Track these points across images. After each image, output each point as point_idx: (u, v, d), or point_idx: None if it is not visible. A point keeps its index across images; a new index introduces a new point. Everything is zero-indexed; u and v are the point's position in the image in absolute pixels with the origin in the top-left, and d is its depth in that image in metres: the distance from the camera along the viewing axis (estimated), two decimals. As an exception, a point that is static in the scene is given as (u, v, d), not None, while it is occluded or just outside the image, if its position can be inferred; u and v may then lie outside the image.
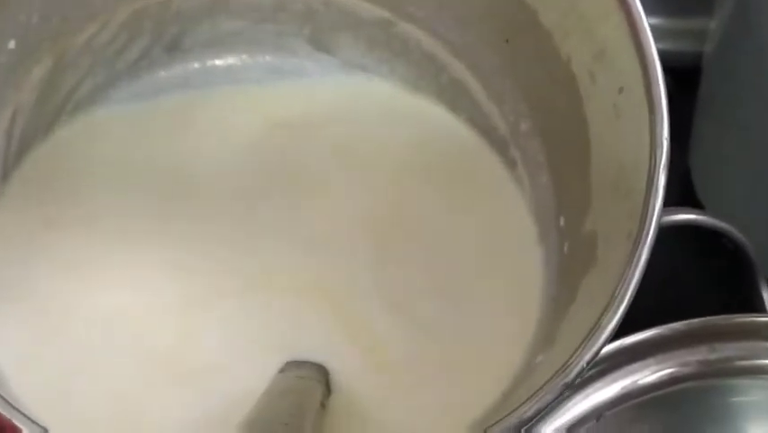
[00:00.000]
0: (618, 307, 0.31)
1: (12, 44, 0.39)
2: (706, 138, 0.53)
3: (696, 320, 0.38)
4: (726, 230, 0.42)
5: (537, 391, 0.31)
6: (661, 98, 0.33)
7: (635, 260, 0.32)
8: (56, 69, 0.43)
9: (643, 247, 0.32)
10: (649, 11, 0.59)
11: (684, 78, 0.56)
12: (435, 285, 0.42)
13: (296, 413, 0.34)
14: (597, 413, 0.38)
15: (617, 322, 0.31)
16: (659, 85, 0.33)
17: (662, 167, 0.33)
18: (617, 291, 0.31)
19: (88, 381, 0.38)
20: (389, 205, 0.44)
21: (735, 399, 0.39)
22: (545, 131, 0.41)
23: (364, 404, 0.38)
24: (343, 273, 0.42)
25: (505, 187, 0.44)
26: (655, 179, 0.33)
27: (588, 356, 0.31)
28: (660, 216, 0.32)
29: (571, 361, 0.31)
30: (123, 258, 0.42)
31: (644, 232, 0.32)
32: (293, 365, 0.39)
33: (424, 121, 0.47)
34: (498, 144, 0.45)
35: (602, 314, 0.31)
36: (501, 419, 0.31)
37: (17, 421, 0.29)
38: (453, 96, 0.46)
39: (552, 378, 0.31)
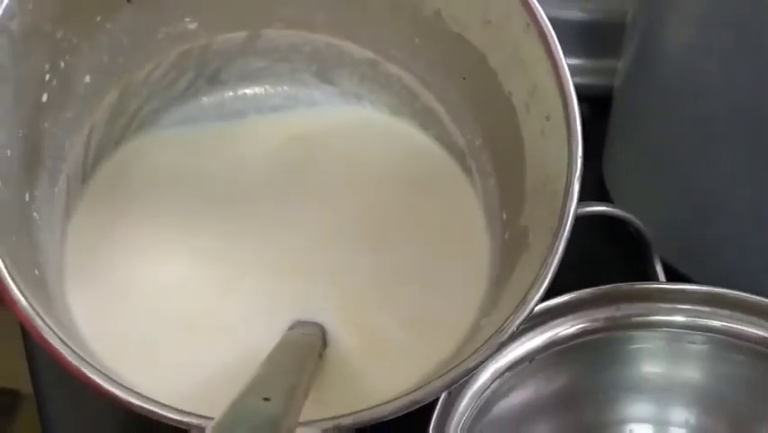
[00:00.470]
0: (541, 284, 0.32)
1: (87, 79, 0.39)
2: (615, 151, 0.54)
3: (605, 286, 0.39)
4: (628, 219, 0.42)
5: (479, 347, 0.31)
6: (577, 126, 0.34)
7: (554, 249, 0.32)
8: (122, 98, 0.42)
9: (561, 239, 0.32)
10: (571, 53, 0.59)
11: (599, 106, 0.56)
12: (408, 265, 0.42)
13: (297, 361, 0.34)
14: (529, 357, 0.38)
15: (541, 296, 0.32)
16: (575, 116, 0.34)
17: (576, 177, 0.33)
18: (540, 272, 0.32)
19: (148, 332, 0.39)
20: (376, 202, 0.45)
21: (632, 346, 0.39)
22: (493, 146, 0.41)
23: (350, 355, 0.38)
24: (340, 257, 0.42)
25: (462, 189, 0.44)
26: (572, 187, 0.33)
27: (517, 321, 0.31)
28: (574, 217, 0.33)
29: (504, 325, 0.31)
30: (174, 245, 0.42)
31: (562, 228, 0.32)
32: (299, 325, 0.39)
33: (402, 138, 0.47)
34: (458, 156, 0.45)
35: (529, 289, 0.32)
36: (449, 371, 0.31)
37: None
38: (425, 120, 0.46)
39: (490, 338, 0.31)
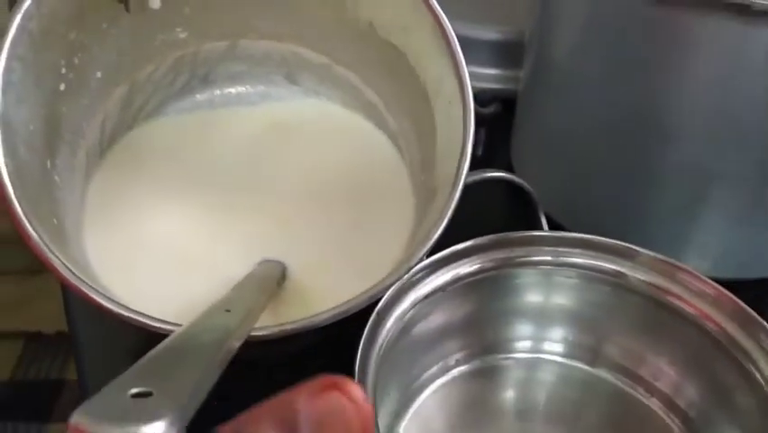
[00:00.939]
0: (438, 227, 0.32)
1: (99, 74, 0.38)
2: (518, 138, 0.54)
3: (500, 234, 0.38)
4: (520, 183, 0.42)
5: (393, 271, 0.31)
6: (470, 105, 0.34)
7: (450, 202, 0.32)
8: (130, 92, 0.42)
9: (454, 196, 0.32)
10: (488, 65, 0.60)
11: (508, 105, 0.57)
12: (355, 219, 0.42)
13: (258, 286, 0.34)
14: (441, 288, 0.37)
15: (438, 236, 0.32)
16: (469, 97, 0.34)
17: (469, 141, 0.33)
18: (440, 217, 0.32)
19: (150, 268, 0.39)
20: (331, 172, 0.44)
21: (518, 280, 0.39)
22: (416, 127, 0.41)
23: (302, 285, 0.38)
24: (301, 214, 0.42)
25: (395, 162, 0.44)
26: (465, 155, 0.33)
27: (422, 251, 0.31)
28: (465, 180, 0.33)
29: (413, 255, 0.31)
30: (174, 204, 0.42)
31: (457, 185, 0.32)
32: (265, 262, 0.39)
33: (351, 124, 0.46)
34: (392, 137, 0.44)
35: (431, 230, 0.32)
36: (370, 289, 0.31)
37: None
38: (368, 110, 0.46)
39: (401, 264, 0.31)
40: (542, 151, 0.51)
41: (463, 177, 0.32)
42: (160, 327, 0.29)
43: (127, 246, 0.39)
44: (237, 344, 0.25)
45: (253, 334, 0.29)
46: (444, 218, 0.31)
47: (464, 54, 0.35)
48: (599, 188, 0.47)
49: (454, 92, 0.34)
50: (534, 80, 0.50)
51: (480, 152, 0.59)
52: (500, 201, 0.52)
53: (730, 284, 0.35)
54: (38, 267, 0.30)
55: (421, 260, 0.31)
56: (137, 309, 0.30)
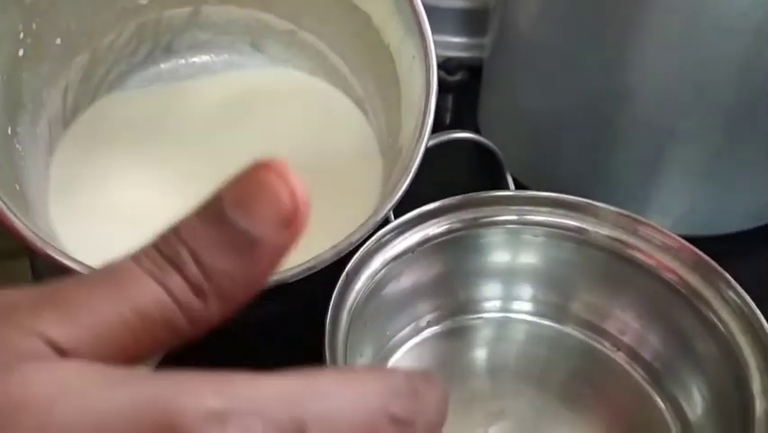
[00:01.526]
0: (403, 182, 0.32)
1: (59, 41, 0.38)
2: (485, 103, 0.54)
3: (467, 194, 0.38)
4: (486, 143, 0.42)
5: (360, 226, 0.31)
6: (432, 58, 0.34)
7: (415, 157, 0.32)
8: (92, 61, 0.42)
9: (419, 150, 0.32)
10: (455, 33, 0.60)
11: (475, 71, 0.57)
12: (325, 183, 0.41)
13: None
14: (411, 249, 0.38)
15: (404, 190, 0.33)
16: (432, 50, 0.34)
17: (432, 102, 0.33)
18: (405, 172, 0.32)
19: (120, 238, 0.38)
20: (299, 139, 0.44)
21: (486, 240, 0.39)
22: (380, 89, 0.41)
23: None
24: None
25: (363, 126, 0.44)
26: (428, 108, 0.33)
27: (387, 207, 0.31)
28: (433, 141, 0.33)
29: (378, 210, 0.31)
30: (139, 174, 0.42)
31: (421, 140, 0.32)
32: None
33: (317, 91, 0.46)
34: (359, 103, 0.44)
35: (396, 185, 0.32)
36: (336, 245, 0.31)
37: None
38: (333, 76, 0.45)
39: (368, 219, 0.31)
40: (508, 115, 0.51)
41: (428, 131, 0.32)
42: None
43: (93, 217, 0.39)
44: None
45: None
46: (410, 173, 0.32)
47: (430, 23, 0.35)
48: (564, 149, 0.47)
49: (417, 49, 0.34)
50: (498, 47, 0.50)
51: (447, 120, 0.59)
52: (468, 164, 0.52)
53: (693, 241, 0.36)
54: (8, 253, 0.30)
55: (389, 220, 0.32)
56: None
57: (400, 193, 0.32)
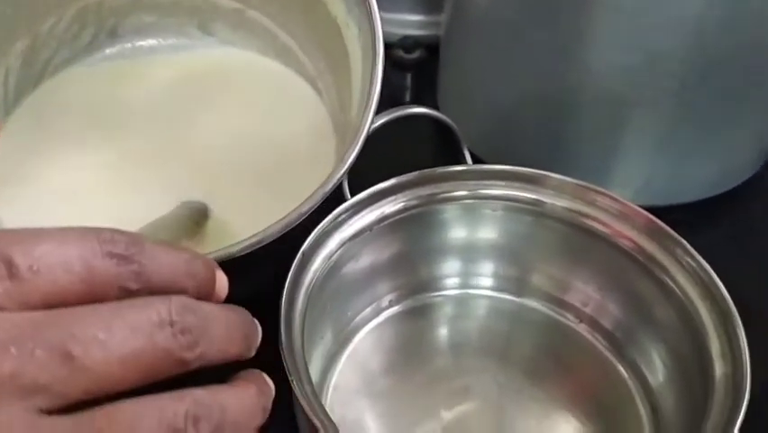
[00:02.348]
0: (353, 150, 0.31)
1: (-5, 27, 0.37)
2: (443, 80, 0.54)
3: (422, 171, 0.38)
4: (442, 118, 0.42)
5: (308, 197, 0.31)
6: (378, 27, 0.33)
7: (364, 122, 0.32)
8: (33, 46, 0.41)
9: (367, 118, 0.32)
10: (412, 11, 0.60)
11: (432, 49, 0.57)
12: (278, 161, 0.41)
13: (170, 225, 0.34)
14: (368, 228, 0.37)
15: (354, 157, 0.32)
16: (377, 19, 0.33)
17: (380, 61, 0.33)
18: (355, 139, 0.31)
19: (68, 222, 0.37)
20: (249, 121, 0.44)
21: (443, 216, 0.39)
22: (332, 66, 0.40)
23: (228, 222, 0.38)
24: (220, 158, 0.41)
25: (316, 104, 0.44)
26: (374, 78, 0.32)
27: (336, 176, 0.31)
28: (376, 105, 0.32)
29: (327, 181, 0.31)
30: (87, 157, 0.41)
31: (368, 109, 0.32)
32: (185, 203, 0.38)
33: (268, 72, 0.46)
34: (311, 81, 0.44)
35: (345, 153, 0.31)
36: (282, 218, 0.31)
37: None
38: (284, 56, 0.45)
39: (317, 189, 0.31)
40: (466, 91, 0.51)
41: (375, 99, 0.32)
42: None
43: (40, 201, 0.38)
44: None
45: None
46: (358, 142, 0.31)
47: (386, 2, 0.34)
48: (522, 123, 0.47)
49: (363, 19, 0.33)
50: (454, 24, 0.50)
51: (407, 99, 0.59)
52: (427, 141, 0.52)
53: (653, 211, 0.36)
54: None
55: (345, 198, 0.31)
56: None
57: (349, 162, 0.31)
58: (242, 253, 0.29)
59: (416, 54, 0.60)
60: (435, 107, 0.54)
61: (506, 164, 0.39)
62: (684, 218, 0.44)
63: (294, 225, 0.30)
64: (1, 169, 0.38)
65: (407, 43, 0.60)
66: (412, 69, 0.60)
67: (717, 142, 0.45)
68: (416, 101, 0.57)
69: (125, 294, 0.20)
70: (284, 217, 0.30)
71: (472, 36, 0.48)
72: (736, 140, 0.46)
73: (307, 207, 0.30)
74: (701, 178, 0.47)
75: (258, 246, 0.30)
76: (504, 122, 0.48)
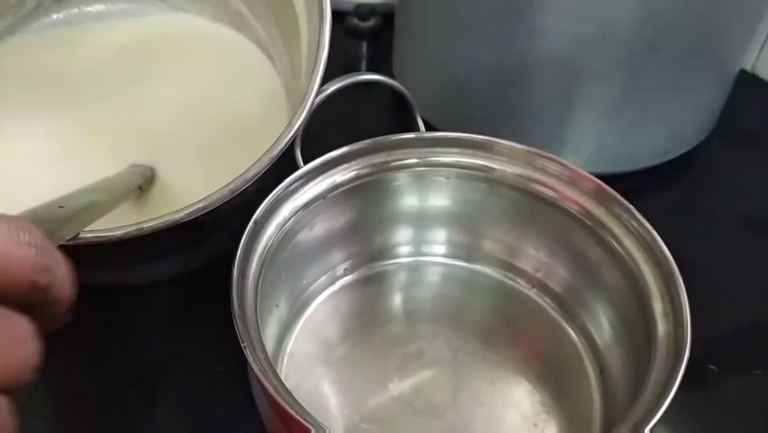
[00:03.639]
0: (301, 114, 0.32)
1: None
2: (398, 49, 0.54)
3: (374, 138, 0.38)
4: (395, 86, 0.42)
5: (255, 162, 0.31)
6: (327, 5, 0.33)
7: (310, 90, 0.32)
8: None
9: (314, 82, 0.32)
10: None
11: (388, 18, 0.57)
12: (229, 126, 0.41)
13: (108, 186, 0.33)
14: (321, 196, 0.37)
15: (302, 121, 0.32)
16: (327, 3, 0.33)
17: (326, 33, 0.33)
18: (303, 103, 0.31)
19: (13, 188, 0.37)
20: (202, 87, 0.43)
21: (395, 184, 0.39)
22: (283, 32, 0.40)
23: (175, 187, 0.38)
24: (170, 124, 0.41)
25: (269, 72, 0.43)
26: (321, 41, 0.32)
27: (287, 138, 0.32)
28: (323, 68, 0.32)
29: (275, 143, 0.31)
30: (28, 123, 0.40)
31: (315, 73, 0.32)
32: (131, 166, 0.38)
33: (221, 38, 0.45)
34: (264, 48, 0.43)
35: (293, 117, 0.31)
36: (229, 183, 0.30)
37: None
38: (237, 22, 0.45)
39: (263, 155, 0.31)
40: (420, 59, 0.51)
41: (322, 62, 0.32)
42: None
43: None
44: (66, 236, 0.24)
45: (109, 234, 0.28)
46: (305, 106, 0.31)
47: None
48: (475, 91, 0.47)
49: None
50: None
51: (362, 67, 0.59)
52: (381, 109, 0.52)
53: (603, 178, 0.37)
54: None
55: (297, 167, 0.31)
56: None
57: (296, 126, 0.31)
58: (187, 219, 0.29)
59: (371, 22, 0.60)
60: (391, 76, 0.54)
61: (459, 131, 0.39)
62: (635, 185, 0.45)
63: (239, 190, 0.30)
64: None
65: (363, 11, 0.59)
66: (367, 37, 0.60)
67: (666, 109, 0.46)
68: (372, 69, 0.57)
69: (34, 290, 0.19)
70: (229, 183, 0.29)
71: (426, 3, 0.48)
72: (686, 107, 0.47)
73: (254, 173, 0.30)
74: (652, 145, 0.48)
75: (202, 212, 0.29)
76: (458, 89, 0.48)
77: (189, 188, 0.36)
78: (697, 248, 0.43)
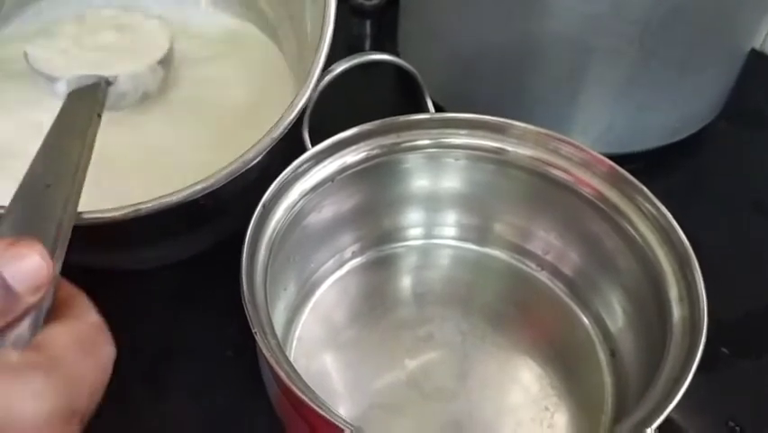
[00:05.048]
0: (303, 95, 0.31)
1: None
2: (404, 28, 0.53)
3: (383, 119, 0.37)
4: (405, 66, 0.41)
5: (255, 144, 0.30)
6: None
7: (314, 69, 0.31)
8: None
9: (318, 61, 0.31)
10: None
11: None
12: (241, 111, 0.40)
13: (75, 131, 0.29)
14: (330, 178, 0.36)
15: (304, 102, 0.32)
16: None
17: (331, 11, 0.32)
18: (306, 83, 0.31)
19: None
20: (215, 74, 0.42)
21: (406, 165, 0.38)
22: (294, 26, 0.39)
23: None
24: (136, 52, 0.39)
25: (280, 61, 0.43)
26: (326, 19, 0.31)
27: (284, 124, 0.31)
28: (328, 47, 0.31)
29: (276, 127, 0.31)
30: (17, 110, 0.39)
31: (320, 51, 0.31)
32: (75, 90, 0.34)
33: (242, 33, 0.44)
34: (271, 31, 0.43)
35: (296, 98, 0.31)
36: (230, 163, 0.30)
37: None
38: (246, 3, 0.43)
39: (265, 135, 0.30)
40: (427, 38, 0.50)
41: (327, 40, 0.31)
42: None
43: None
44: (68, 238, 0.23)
45: (103, 215, 0.27)
46: (309, 85, 0.30)
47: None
48: (484, 71, 0.46)
49: None
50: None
51: (367, 47, 0.57)
52: (388, 89, 0.51)
53: (611, 158, 0.36)
54: None
55: (305, 149, 0.30)
56: None
57: (299, 107, 0.30)
58: (186, 201, 0.28)
59: (375, 1, 0.59)
60: (396, 55, 0.53)
61: (466, 111, 0.38)
62: (643, 166, 0.44)
63: (239, 172, 0.29)
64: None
65: (367, -10, 0.58)
66: (372, 15, 0.59)
67: (676, 89, 0.45)
68: (377, 49, 0.56)
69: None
70: (229, 165, 0.28)
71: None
72: (696, 87, 0.46)
73: (253, 154, 0.29)
74: (661, 125, 0.47)
75: (201, 194, 0.28)
76: (465, 69, 0.47)
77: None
78: (707, 229, 0.43)
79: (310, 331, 0.37)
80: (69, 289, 0.23)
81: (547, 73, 0.44)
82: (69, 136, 0.28)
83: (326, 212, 0.38)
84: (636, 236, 0.34)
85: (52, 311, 0.21)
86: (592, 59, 0.43)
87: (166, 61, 0.38)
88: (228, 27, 0.44)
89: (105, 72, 0.35)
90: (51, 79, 0.35)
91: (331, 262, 0.40)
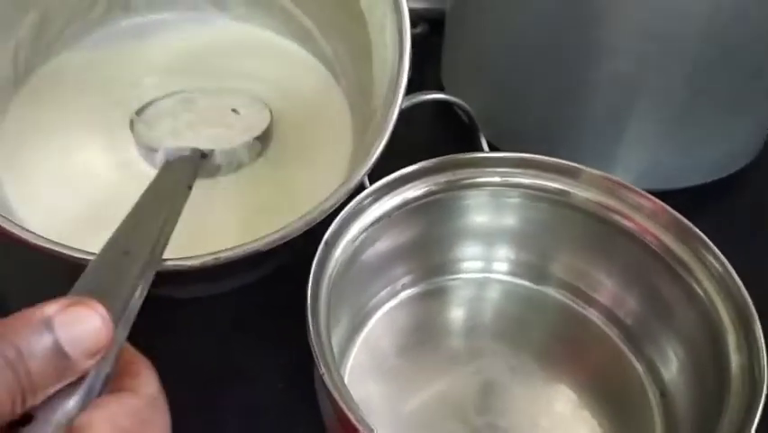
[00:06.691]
0: (378, 146, 0.31)
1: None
2: (449, 59, 0.52)
3: (443, 157, 0.37)
4: (460, 104, 0.41)
5: (331, 194, 0.30)
6: (405, 13, 0.31)
7: (389, 119, 0.31)
8: (43, 19, 0.39)
9: (392, 113, 0.31)
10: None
11: (436, 24, 0.55)
12: (294, 147, 0.40)
13: (160, 203, 0.29)
14: (388, 214, 0.36)
15: (378, 154, 0.31)
16: (405, 13, 0.32)
17: (405, 64, 0.31)
18: (380, 135, 0.30)
19: (75, 201, 0.36)
20: (263, 97, 0.42)
21: (465, 202, 0.38)
22: (352, 51, 0.39)
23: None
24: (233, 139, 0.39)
25: (331, 86, 0.42)
26: (401, 73, 0.31)
27: (363, 172, 0.31)
28: (404, 103, 0.31)
29: (352, 178, 0.30)
30: (97, 135, 0.39)
31: (394, 105, 0.31)
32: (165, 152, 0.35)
33: (283, 52, 0.44)
34: (329, 65, 0.42)
35: (370, 149, 0.31)
36: (307, 214, 0.30)
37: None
38: (301, 36, 0.43)
39: (339, 187, 0.30)
40: (473, 70, 0.49)
41: (401, 94, 0.30)
42: (80, 257, 0.27)
43: (49, 180, 0.37)
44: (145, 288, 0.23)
45: (183, 263, 0.27)
46: (384, 137, 0.30)
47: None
48: (530, 105, 0.46)
49: (389, 6, 0.32)
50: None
51: (409, 76, 0.57)
52: (439, 124, 0.50)
53: (656, 194, 0.35)
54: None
55: (363, 185, 0.30)
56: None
57: (374, 159, 0.30)
58: (265, 249, 0.28)
59: (418, 29, 0.58)
60: (439, 86, 0.53)
61: (512, 144, 0.38)
62: (687, 201, 0.43)
63: (317, 222, 0.29)
64: (8, 145, 0.37)
65: (410, 17, 0.57)
66: (414, 45, 0.58)
67: (723, 126, 0.45)
68: (420, 79, 0.55)
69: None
70: (306, 214, 0.29)
71: (481, 10, 0.46)
72: (742, 124, 0.46)
73: (331, 204, 0.29)
74: (706, 162, 0.46)
75: (280, 242, 0.29)
76: (512, 103, 0.47)
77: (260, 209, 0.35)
78: (755, 268, 0.42)
79: (360, 362, 0.37)
80: (132, 355, 0.22)
81: (595, 108, 0.44)
82: (157, 205, 0.28)
83: (382, 246, 0.37)
84: (697, 288, 0.33)
85: (112, 379, 0.21)
86: (641, 96, 0.42)
87: (264, 137, 0.38)
88: (284, 52, 0.44)
89: (202, 145, 0.35)
90: (151, 150, 0.35)
91: (383, 293, 0.39)
